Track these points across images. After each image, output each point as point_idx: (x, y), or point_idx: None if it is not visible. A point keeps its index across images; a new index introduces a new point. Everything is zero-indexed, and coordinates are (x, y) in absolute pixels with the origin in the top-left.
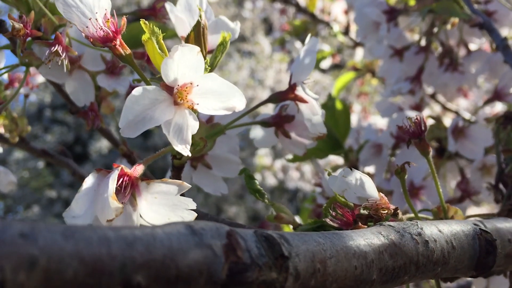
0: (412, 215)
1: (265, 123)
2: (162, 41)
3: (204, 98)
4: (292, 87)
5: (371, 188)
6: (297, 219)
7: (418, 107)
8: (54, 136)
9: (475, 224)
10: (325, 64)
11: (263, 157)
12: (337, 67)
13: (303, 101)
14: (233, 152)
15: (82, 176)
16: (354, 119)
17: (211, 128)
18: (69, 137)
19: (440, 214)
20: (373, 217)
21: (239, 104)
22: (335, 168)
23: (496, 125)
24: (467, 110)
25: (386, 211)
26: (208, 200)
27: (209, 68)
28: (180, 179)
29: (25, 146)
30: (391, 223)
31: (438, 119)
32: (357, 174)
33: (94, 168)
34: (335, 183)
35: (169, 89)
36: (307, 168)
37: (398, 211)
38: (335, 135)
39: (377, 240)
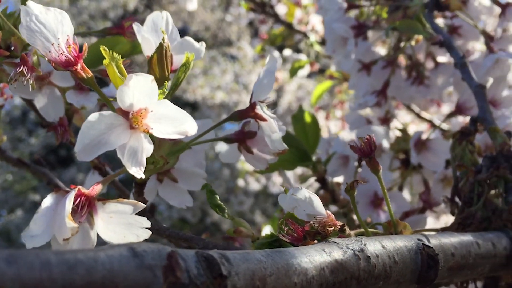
0: (375, 228)
1: (227, 139)
2: (122, 66)
3: (158, 123)
4: (252, 105)
5: (319, 206)
6: (269, 227)
7: (386, 120)
8: (39, 139)
9: (419, 239)
10: (303, 72)
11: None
12: (321, 72)
13: (262, 119)
14: (199, 166)
15: (57, 186)
16: (332, 127)
17: (174, 146)
18: (54, 140)
19: (391, 228)
20: (321, 234)
21: (191, 129)
22: (304, 178)
23: (453, 140)
24: (444, 116)
25: (332, 228)
26: (192, 204)
27: (166, 91)
28: (142, 195)
29: (1, 155)
30: (336, 240)
31: (404, 131)
32: (305, 192)
33: (79, 171)
34: (285, 201)
35: (125, 114)
36: (290, 173)
37: (345, 227)
38: (304, 146)
39: (319, 257)
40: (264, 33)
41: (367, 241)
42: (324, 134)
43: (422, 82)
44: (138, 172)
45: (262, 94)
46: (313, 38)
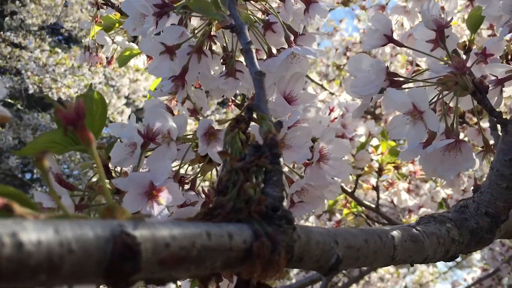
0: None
1: None
2: None
3: None
4: None
5: None
6: None
7: (195, 110)
8: None
9: (120, 225)
10: (139, 62)
11: None
12: None
13: None
14: None
15: None
16: None
17: None
18: None
19: (109, 214)
20: None
21: None
22: (84, 166)
23: (227, 128)
24: None
25: None
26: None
27: None
28: None
29: None
30: None
31: (221, 122)
32: None
33: None
34: None
35: None
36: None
37: (13, 207)
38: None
39: None
40: (98, 18)
41: (31, 225)
42: None
43: (232, 75)
44: None
45: None
46: None
